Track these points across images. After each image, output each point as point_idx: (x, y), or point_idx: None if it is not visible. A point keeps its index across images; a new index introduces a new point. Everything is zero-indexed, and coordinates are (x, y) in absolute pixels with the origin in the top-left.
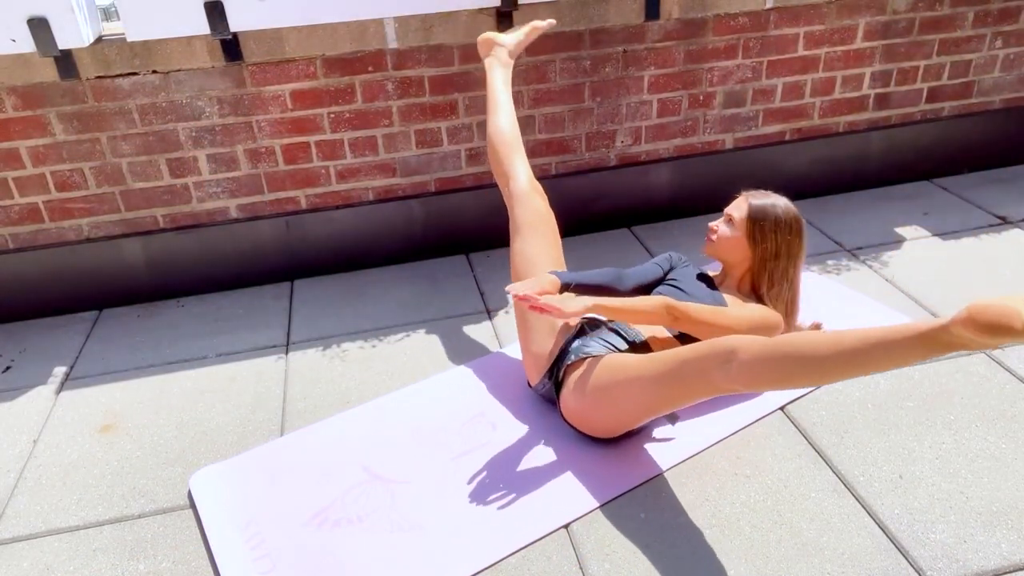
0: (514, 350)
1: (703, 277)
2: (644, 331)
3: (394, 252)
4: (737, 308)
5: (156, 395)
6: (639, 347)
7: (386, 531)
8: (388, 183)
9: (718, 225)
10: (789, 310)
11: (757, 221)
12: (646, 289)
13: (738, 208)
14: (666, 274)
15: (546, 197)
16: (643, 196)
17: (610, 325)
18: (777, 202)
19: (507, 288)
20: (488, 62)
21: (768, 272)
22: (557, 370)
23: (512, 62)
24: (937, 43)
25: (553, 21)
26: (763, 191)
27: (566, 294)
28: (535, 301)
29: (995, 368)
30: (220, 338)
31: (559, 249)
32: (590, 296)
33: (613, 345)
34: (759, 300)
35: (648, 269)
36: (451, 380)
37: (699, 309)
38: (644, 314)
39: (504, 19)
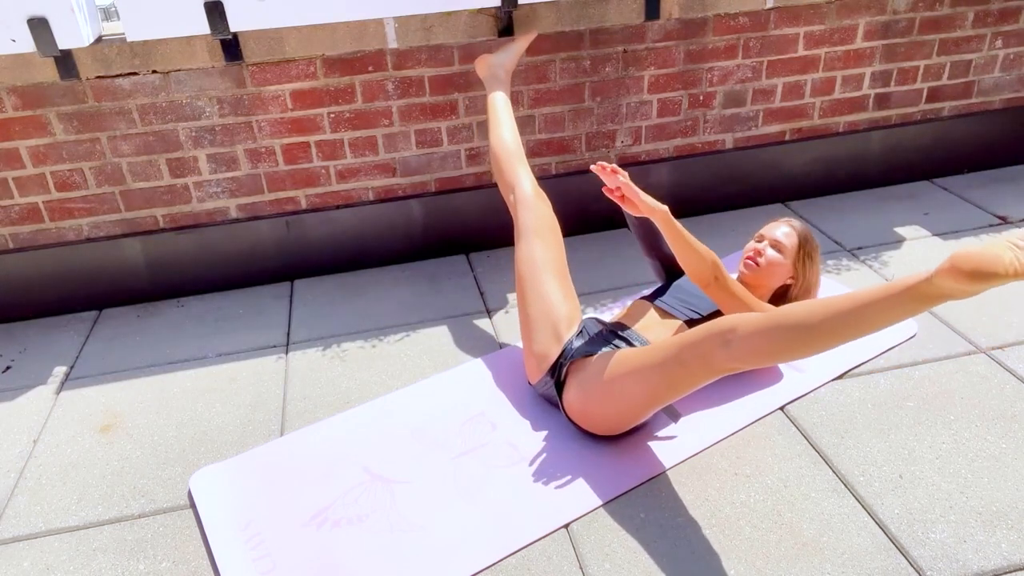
0: (514, 350)
1: None
2: (649, 337)
3: (394, 252)
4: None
5: (156, 395)
6: None
7: (386, 531)
8: (388, 183)
9: (764, 249)
10: None
11: (808, 248)
12: (670, 265)
13: (786, 235)
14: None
15: (550, 204)
16: None
17: (615, 330)
18: (806, 228)
19: (595, 164)
20: (487, 80)
21: (808, 294)
22: (559, 369)
23: (509, 78)
24: (937, 43)
25: (536, 32)
26: (786, 219)
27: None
28: (619, 180)
29: (995, 368)
30: (220, 338)
31: (563, 255)
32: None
33: (617, 347)
34: None
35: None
36: (451, 380)
37: (738, 285)
38: (697, 254)
39: (504, 25)
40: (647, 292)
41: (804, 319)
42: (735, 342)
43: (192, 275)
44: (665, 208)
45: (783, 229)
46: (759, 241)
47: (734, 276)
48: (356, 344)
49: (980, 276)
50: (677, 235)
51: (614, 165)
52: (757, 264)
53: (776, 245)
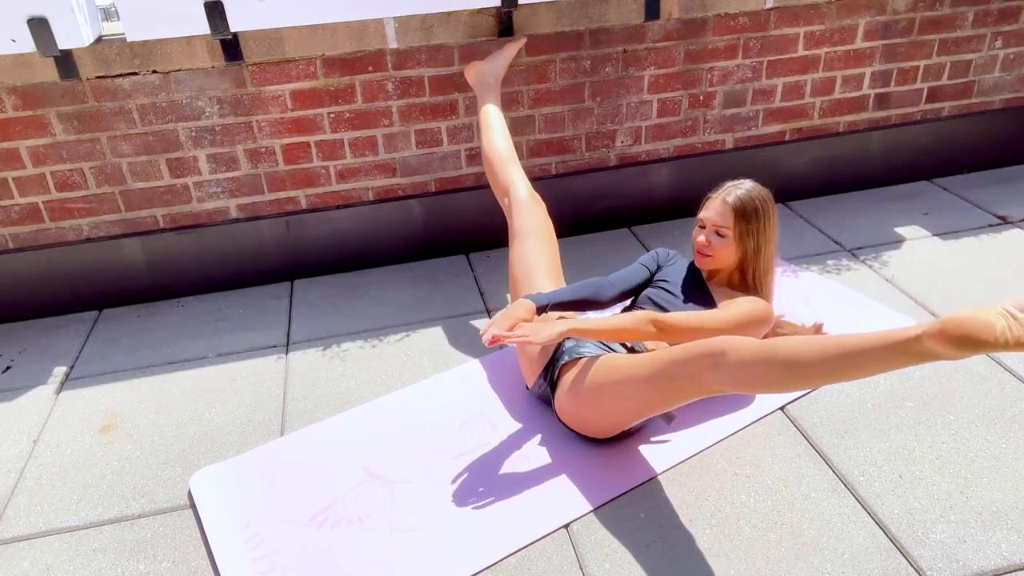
0: (514, 351)
1: (692, 273)
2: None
3: (394, 252)
4: (725, 309)
5: (156, 395)
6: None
7: (386, 531)
8: (388, 183)
9: (708, 239)
10: (770, 289)
11: (743, 222)
12: (633, 293)
13: (722, 215)
14: (653, 274)
15: (544, 206)
16: (643, 196)
17: None
18: (750, 192)
19: (480, 333)
20: (477, 87)
21: (755, 260)
22: (552, 371)
23: (499, 85)
24: (937, 43)
25: (525, 39)
26: (730, 184)
27: (544, 315)
28: (507, 338)
29: (995, 368)
30: (220, 338)
31: (556, 257)
32: (566, 320)
33: (611, 349)
34: (749, 289)
35: (633, 272)
36: (451, 380)
37: (685, 318)
38: (628, 332)
39: (504, 25)
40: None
41: (794, 357)
42: (724, 367)
43: (192, 275)
44: (564, 328)
45: (720, 209)
46: (701, 227)
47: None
48: (356, 344)
49: (968, 343)
50: (599, 334)
51: (495, 333)
52: (708, 255)
53: (718, 230)
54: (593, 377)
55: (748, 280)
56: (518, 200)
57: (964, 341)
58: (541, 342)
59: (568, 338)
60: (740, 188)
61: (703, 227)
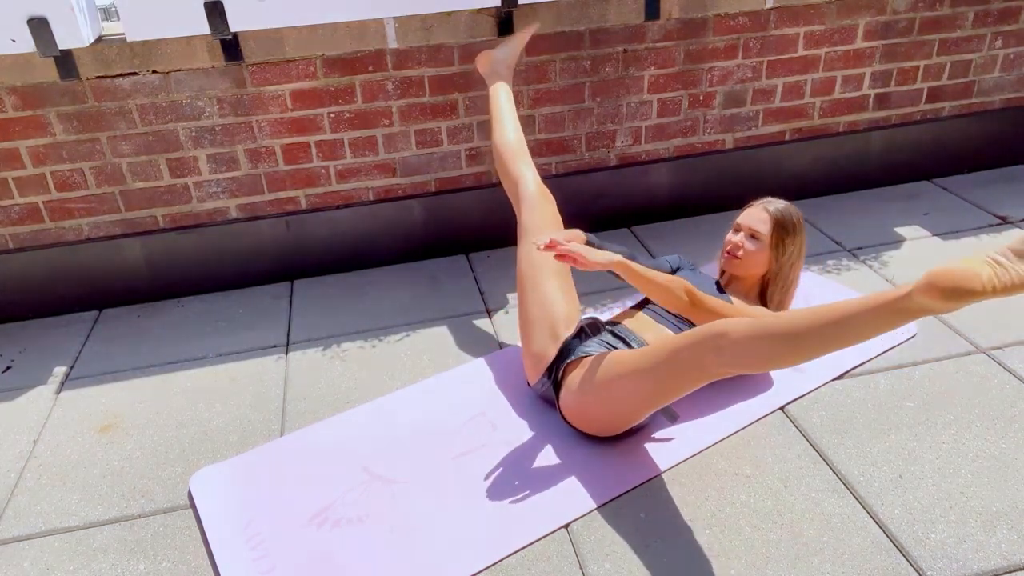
0: (514, 350)
1: (709, 281)
2: (646, 337)
3: (394, 252)
4: (744, 307)
5: (156, 395)
6: None
7: (386, 531)
8: (388, 183)
9: (742, 241)
10: (788, 305)
11: (782, 233)
12: None
13: (762, 222)
14: (674, 272)
15: (555, 202)
16: (643, 196)
17: (613, 330)
18: (788, 207)
19: (534, 240)
20: (488, 77)
21: (784, 276)
22: (556, 370)
23: (511, 73)
24: (937, 43)
25: (538, 24)
26: (770, 198)
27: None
28: (562, 247)
29: (995, 368)
30: (220, 338)
31: None
32: (617, 255)
33: (613, 348)
34: (764, 302)
35: (658, 263)
36: (451, 380)
37: (713, 300)
38: (664, 288)
39: (503, 25)
40: (634, 302)
41: (790, 328)
42: (726, 348)
43: (192, 275)
44: (615, 258)
45: (759, 216)
46: (736, 231)
47: (715, 269)
48: (356, 344)
49: (957, 294)
50: (639, 279)
51: (553, 240)
52: (737, 257)
53: (754, 234)
54: (598, 373)
55: (767, 298)
56: (527, 196)
57: (953, 292)
58: (591, 263)
59: (574, 337)
60: (780, 202)
61: (738, 230)
